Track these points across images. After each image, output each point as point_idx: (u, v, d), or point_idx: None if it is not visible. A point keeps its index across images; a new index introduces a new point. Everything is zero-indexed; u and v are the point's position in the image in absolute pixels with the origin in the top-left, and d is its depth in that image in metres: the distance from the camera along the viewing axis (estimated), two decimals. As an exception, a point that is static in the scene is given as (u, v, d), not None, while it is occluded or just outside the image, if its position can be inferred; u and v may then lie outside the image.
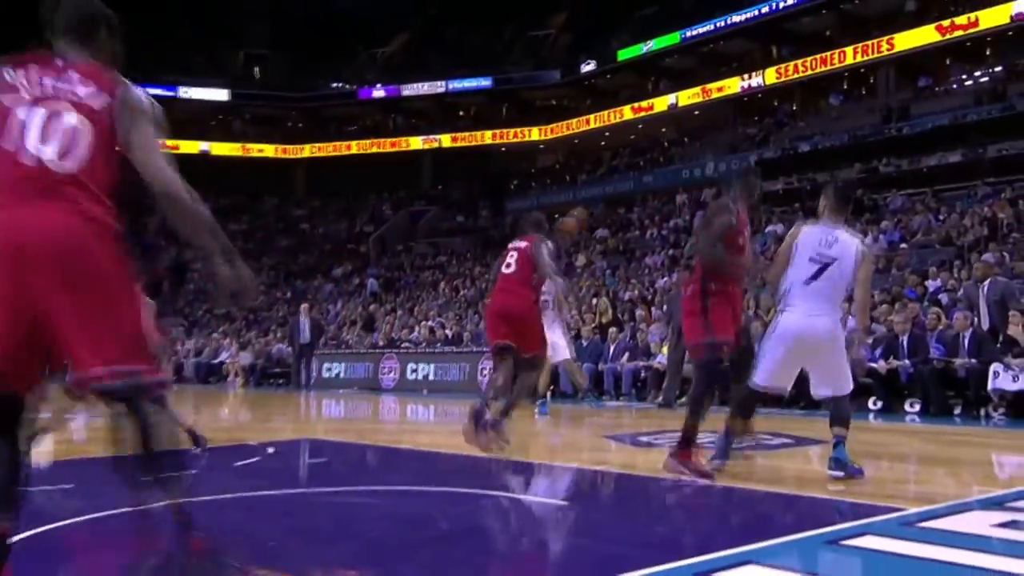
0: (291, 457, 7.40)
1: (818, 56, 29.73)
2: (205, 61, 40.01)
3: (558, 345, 10.01)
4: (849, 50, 28.92)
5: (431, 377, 17.62)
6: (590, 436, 8.58)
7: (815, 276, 5.10)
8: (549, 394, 11.09)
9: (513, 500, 4.91)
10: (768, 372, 5.19)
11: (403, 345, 19.86)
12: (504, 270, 6.40)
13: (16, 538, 3.81)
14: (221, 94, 40.32)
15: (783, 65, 30.88)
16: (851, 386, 5.23)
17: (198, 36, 38.72)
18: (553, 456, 7.13)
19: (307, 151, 41.98)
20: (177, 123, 39.14)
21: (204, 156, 39.53)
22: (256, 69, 42.83)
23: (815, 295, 5.10)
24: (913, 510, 4.16)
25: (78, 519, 4.20)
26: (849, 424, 5.17)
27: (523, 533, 4.09)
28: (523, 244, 6.38)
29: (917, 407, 10.58)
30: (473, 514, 4.59)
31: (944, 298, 13.04)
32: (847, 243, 5.19)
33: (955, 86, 27.93)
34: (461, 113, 42.20)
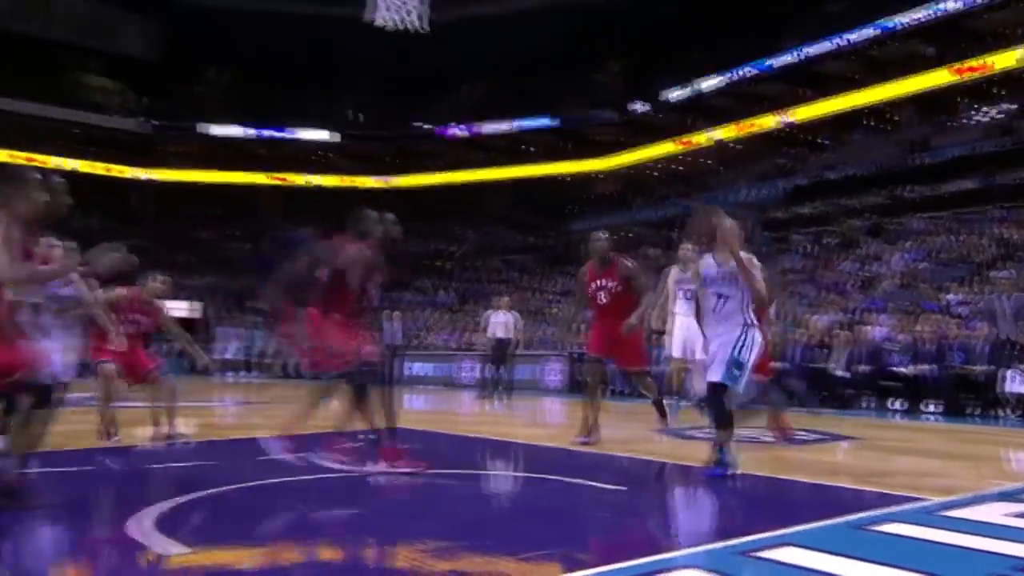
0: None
1: (844, 96, 29.09)
2: (313, 108, 40.98)
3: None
4: (872, 90, 28.26)
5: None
6: (641, 430, 8.48)
7: None
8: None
9: (575, 485, 4.91)
10: None
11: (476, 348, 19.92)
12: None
13: (172, 503, 3.97)
14: (326, 135, 41.25)
15: (812, 104, 30.28)
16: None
17: (307, 87, 39.73)
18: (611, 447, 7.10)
19: (399, 182, 42.63)
20: (289, 159, 40.57)
21: (314, 187, 40.46)
22: (352, 112, 43.72)
23: None
24: (935, 500, 4.05)
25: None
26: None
27: (584, 514, 4.09)
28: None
29: (939, 408, 10.25)
30: (542, 496, 4.61)
31: (963, 310, 12.63)
32: None
33: (970, 121, 27.01)
34: (531, 149, 42.36)
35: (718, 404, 4.95)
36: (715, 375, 4.94)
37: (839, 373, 11.38)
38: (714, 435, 5.04)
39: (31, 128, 34.58)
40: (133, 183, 38.60)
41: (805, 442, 6.89)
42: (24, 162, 34.04)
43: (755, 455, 6.33)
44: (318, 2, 36.80)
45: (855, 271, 18.60)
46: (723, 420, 4.95)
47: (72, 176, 34.14)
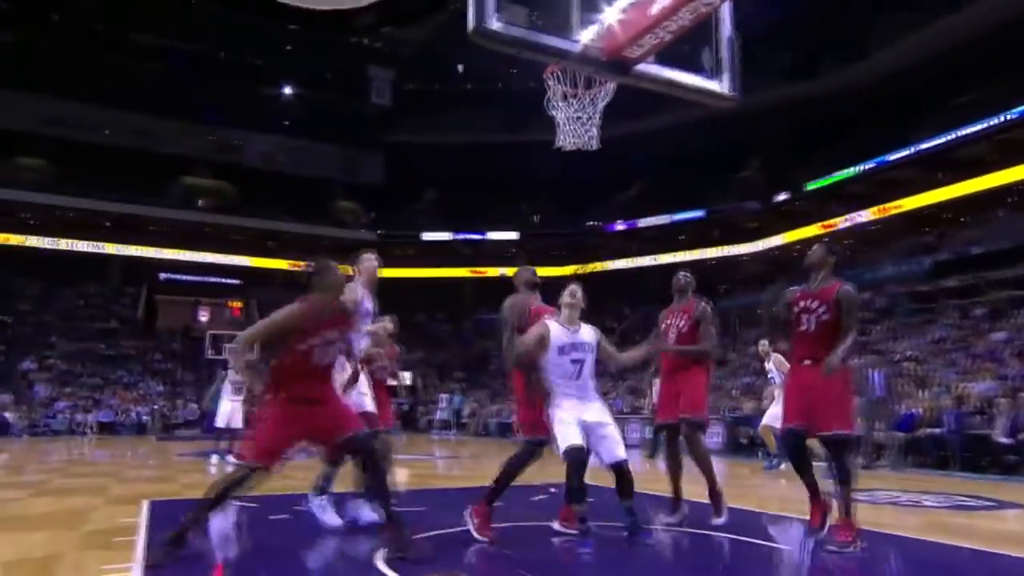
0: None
1: (976, 179, 26.37)
2: (501, 213, 42.90)
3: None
4: (1003, 172, 25.48)
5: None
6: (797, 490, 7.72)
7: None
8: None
9: (737, 541, 4.52)
10: None
11: (643, 411, 19.35)
12: None
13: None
14: (512, 235, 42.95)
15: (948, 187, 27.61)
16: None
17: (495, 197, 41.87)
18: (768, 506, 6.52)
19: (571, 270, 43.10)
20: (485, 255, 42.49)
21: (502, 277, 42.04)
22: (531, 215, 45.17)
23: None
24: None
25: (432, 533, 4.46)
26: None
27: (749, 571, 3.74)
28: None
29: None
30: (717, 554, 4.29)
31: None
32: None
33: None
34: (681, 237, 41.56)
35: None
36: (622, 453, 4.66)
37: (1002, 440, 9.86)
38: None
39: (296, 241, 38.97)
40: (366, 279, 42.10)
41: (971, 508, 5.97)
42: (289, 267, 38.19)
43: (919, 519, 5.56)
44: (501, 132, 39.11)
45: (1008, 340, 16.29)
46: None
47: (323, 276, 37.92)
